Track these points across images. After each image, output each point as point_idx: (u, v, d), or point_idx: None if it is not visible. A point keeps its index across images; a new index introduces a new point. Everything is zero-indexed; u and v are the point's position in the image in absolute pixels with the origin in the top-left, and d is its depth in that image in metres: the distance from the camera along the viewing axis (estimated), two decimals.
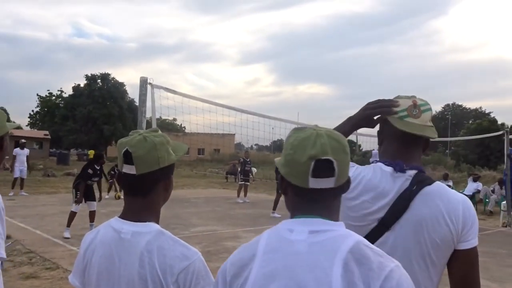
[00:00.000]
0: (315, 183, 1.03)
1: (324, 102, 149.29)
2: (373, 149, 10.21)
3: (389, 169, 1.46)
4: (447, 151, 50.09)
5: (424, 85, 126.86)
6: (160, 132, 1.41)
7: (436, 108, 66.75)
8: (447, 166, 32.65)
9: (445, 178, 16.03)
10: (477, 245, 1.41)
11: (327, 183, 1.04)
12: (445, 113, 69.41)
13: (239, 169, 15.60)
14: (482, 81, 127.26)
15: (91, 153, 10.47)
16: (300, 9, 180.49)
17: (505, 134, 11.31)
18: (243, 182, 15.01)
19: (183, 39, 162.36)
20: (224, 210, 12.25)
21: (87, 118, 43.85)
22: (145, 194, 1.36)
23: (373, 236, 1.38)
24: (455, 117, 65.14)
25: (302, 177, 1.04)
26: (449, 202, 1.38)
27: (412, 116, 1.46)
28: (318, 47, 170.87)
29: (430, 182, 1.42)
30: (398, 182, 1.43)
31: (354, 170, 1.49)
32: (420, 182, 1.41)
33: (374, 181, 1.45)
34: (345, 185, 1.10)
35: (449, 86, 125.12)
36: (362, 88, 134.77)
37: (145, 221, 1.35)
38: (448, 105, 71.38)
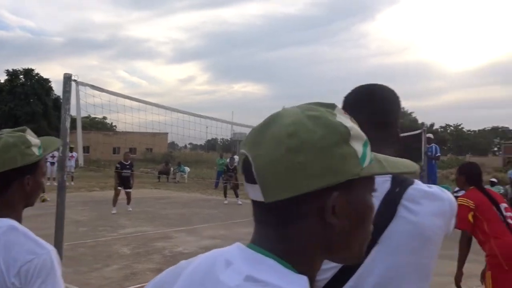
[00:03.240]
0: (249, 190, 0.70)
1: (259, 101, 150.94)
2: None
3: None
4: None
5: (352, 86, 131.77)
6: (19, 133, 1.41)
7: None
8: None
9: None
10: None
11: (254, 192, 0.68)
12: None
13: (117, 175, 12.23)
14: (405, 83, 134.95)
15: None
16: (234, 9, 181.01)
17: (423, 133, 12.12)
18: (120, 188, 11.96)
19: (114, 34, 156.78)
20: (156, 210, 12.08)
21: (8, 116, 41.05)
22: None
23: None
24: None
25: None
26: (436, 201, 1.19)
27: None
28: (253, 46, 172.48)
29: (411, 181, 1.22)
30: (376, 185, 1.20)
31: None
32: (402, 183, 1.20)
33: None
34: (290, 205, 0.65)
35: None
36: (295, 88, 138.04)
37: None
38: None
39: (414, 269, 1.16)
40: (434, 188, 1.23)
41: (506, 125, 71.56)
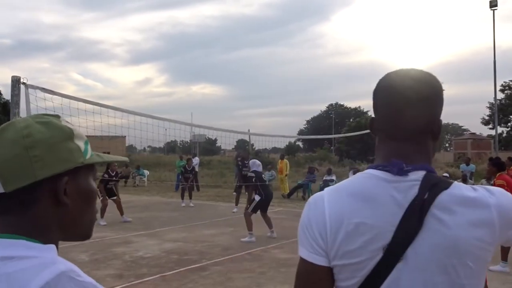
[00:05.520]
0: None
1: (218, 103, 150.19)
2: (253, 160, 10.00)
3: (383, 174, 1.05)
4: (332, 147, 53.58)
5: (310, 86, 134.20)
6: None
7: (321, 107, 71.00)
8: (332, 162, 34.98)
9: (328, 173, 17.15)
10: None
11: None
12: (329, 112, 74.25)
13: None
14: (360, 82, 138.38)
15: None
16: (190, 10, 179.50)
17: None
18: (107, 199, 11.41)
19: (65, 36, 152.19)
20: (115, 215, 11.75)
21: None
22: None
23: (380, 273, 1.00)
24: (338, 116, 69.93)
25: None
26: (477, 208, 1.00)
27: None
28: (210, 47, 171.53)
29: (446, 185, 1.03)
30: (401, 190, 1.03)
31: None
32: (433, 187, 1.02)
33: (365, 192, 1.05)
34: (20, 195, 0.80)
35: (332, 87, 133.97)
36: (253, 89, 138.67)
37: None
38: (331, 104, 76.45)
39: None
40: (479, 192, 1.03)
41: (457, 122, 74.83)
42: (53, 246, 0.82)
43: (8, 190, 0.79)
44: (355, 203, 1.04)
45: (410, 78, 1.10)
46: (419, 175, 1.04)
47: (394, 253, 1.00)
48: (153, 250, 7.76)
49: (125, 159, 1.13)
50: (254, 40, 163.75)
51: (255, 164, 9.47)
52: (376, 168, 1.08)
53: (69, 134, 0.85)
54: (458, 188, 1.03)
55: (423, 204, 1.00)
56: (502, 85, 46.32)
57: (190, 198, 14.53)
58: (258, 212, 8.95)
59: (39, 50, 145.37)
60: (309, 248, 1.06)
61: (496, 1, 27.08)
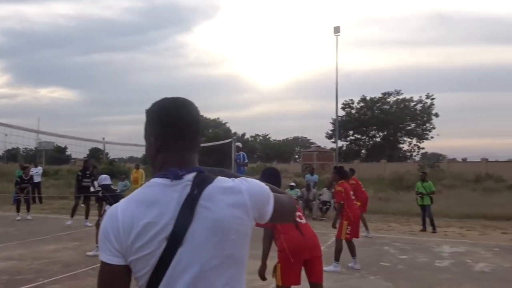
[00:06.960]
0: None
1: (70, 108, 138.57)
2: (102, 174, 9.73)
3: (163, 180, 1.30)
4: None
5: (171, 95, 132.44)
6: None
7: None
8: None
9: None
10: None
11: None
12: None
13: None
14: (219, 94, 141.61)
15: None
16: (40, 6, 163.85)
17: (233, 142, 12.92)
18: None
19: None
20: None
21: None
22: None
23: (166, 257, 1.23)
24: None
25: None
26: (233, 194, 1.30)
27: None
28: (63, 48, 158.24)
29: (211, 180, 1.31)
30: (177, 191, 1.28)
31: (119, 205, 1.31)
32: (201, 183, 1.29)
33: (150, 198, 1.28)
34: None
35: (192, 97, 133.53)
36: (110, 95, 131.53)
37: None
38: None
39: (221, 261, 1.27)
40: (235, 182, 1.34)
41: (305, 135, 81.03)
42: None
43: None
44: (142, 208, 1.26)
45: (186, 105, 1.40)
46: (191, 176, 1.31)
47: (175, 240, 1.24)
48: None
49: None
50: (113, 44, 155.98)
51: (101, 179, 9.08)
52: (158, 176, 1.32)
53: None
54: (219, 181, 1.33)
55: (193, 198, 1.26)
56: (343, 104, 51.78)
57: (28, 210, 13.16)
58: None
59: None
60: (107, 252, 1.25)
61: (339, 28, 30.40)
